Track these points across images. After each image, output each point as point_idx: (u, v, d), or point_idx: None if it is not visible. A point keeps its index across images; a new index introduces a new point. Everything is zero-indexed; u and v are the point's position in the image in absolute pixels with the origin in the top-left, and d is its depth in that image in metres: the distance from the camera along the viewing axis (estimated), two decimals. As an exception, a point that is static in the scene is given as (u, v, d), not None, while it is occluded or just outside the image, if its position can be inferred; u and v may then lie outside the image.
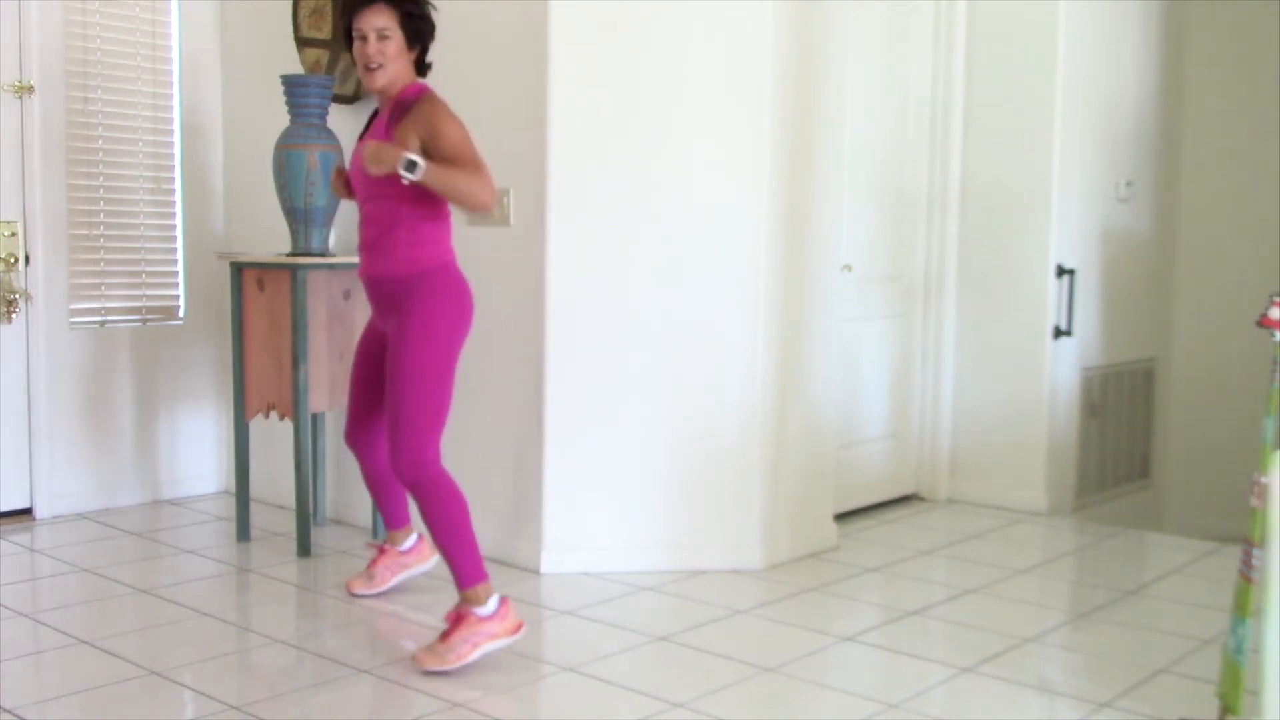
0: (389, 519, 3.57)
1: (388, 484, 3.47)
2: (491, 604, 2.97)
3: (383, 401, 3.21)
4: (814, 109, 4.02)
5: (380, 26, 2.98)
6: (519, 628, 3.01)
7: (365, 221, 3.11)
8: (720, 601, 3.57)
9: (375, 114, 3.19)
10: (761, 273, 3.87)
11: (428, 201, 3.01)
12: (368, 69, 3.01)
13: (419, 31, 3.05)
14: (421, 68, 3.13)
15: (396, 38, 3.00)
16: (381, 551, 3.60)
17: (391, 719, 2.72)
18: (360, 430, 3.39)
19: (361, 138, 3.18)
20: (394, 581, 3.57)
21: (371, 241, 3.08)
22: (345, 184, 3.36)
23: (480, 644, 2.92)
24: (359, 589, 3.56)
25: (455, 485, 3.03)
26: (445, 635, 2.93)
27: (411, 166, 2.86)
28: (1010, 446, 4.95)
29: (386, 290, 3.07)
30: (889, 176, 4.83)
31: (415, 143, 2.96)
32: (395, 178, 2.90)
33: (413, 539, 3.60)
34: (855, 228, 4.59)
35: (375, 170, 2.89)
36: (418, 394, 2.98)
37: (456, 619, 2.94)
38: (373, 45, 2.99)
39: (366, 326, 3.33)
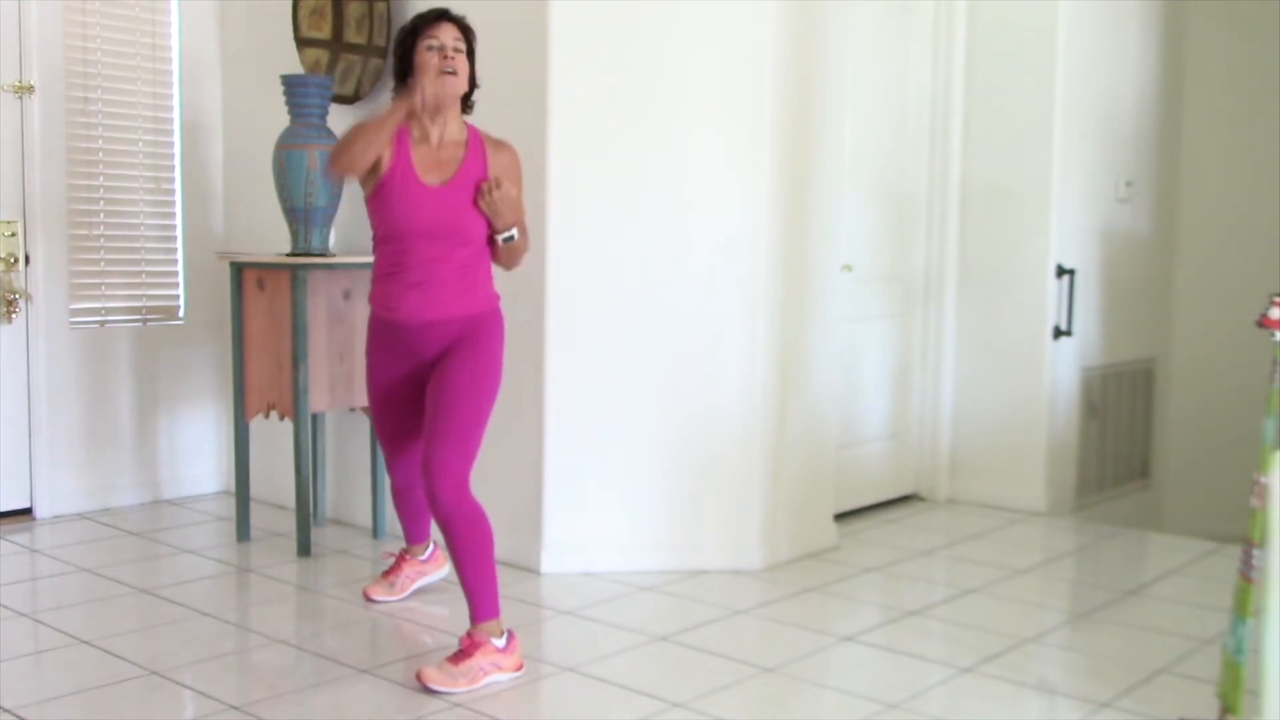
0: (411, 535, 3.58)
1: (425, 510, 3.46)
2: (503, 638, 2.97)
3: (419, 440, 3.22)
4: (814, 109, 4.02)
5: (456, 38, 3.02)
6: (520, 667, 2.99)
7: (437, 261, 3.00)
8: (720, 601, 3.57)
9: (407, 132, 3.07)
10: (761, 273, 3.87)
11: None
12: (444, 73, 2.96)
13: (472, 61, 3.08)
14: (465, 105, 3.11)
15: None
16: (401, 559, 3.60)
17: (391, 719, 2.72)
18: (410, 469, 3.33)
19: (399, 154, 2.98)
20: (413, 588, 3.59)
21: (449, 280, 3.01)
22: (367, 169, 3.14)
23: (490, 673, 2.92)
24: (380, 595, 3.54)
25: (486, 517, 3.01)
26: (458, 657, 2.91)
27: (511, 236, 3.04)
28: (1010, 446, 4.95)
29: (452, 329, 3.03)
30: (889, 176, 4.83)
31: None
32: (485, 219, 3.00)
33: (431, 548, 3.63)
34: (855, 228, 4.59)
35: (509, 216, 2.98)
36: (474, 423, 3.01)
37: (472, 644, 2.92)
38: (450, 50, 2.98)
39: (379, 373, 3.18)
